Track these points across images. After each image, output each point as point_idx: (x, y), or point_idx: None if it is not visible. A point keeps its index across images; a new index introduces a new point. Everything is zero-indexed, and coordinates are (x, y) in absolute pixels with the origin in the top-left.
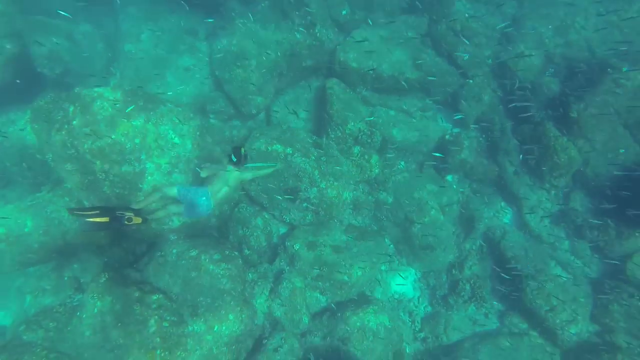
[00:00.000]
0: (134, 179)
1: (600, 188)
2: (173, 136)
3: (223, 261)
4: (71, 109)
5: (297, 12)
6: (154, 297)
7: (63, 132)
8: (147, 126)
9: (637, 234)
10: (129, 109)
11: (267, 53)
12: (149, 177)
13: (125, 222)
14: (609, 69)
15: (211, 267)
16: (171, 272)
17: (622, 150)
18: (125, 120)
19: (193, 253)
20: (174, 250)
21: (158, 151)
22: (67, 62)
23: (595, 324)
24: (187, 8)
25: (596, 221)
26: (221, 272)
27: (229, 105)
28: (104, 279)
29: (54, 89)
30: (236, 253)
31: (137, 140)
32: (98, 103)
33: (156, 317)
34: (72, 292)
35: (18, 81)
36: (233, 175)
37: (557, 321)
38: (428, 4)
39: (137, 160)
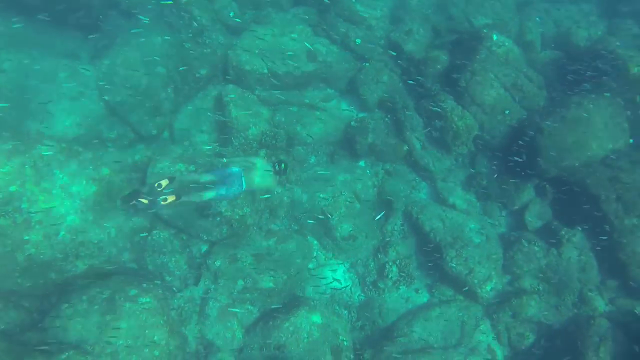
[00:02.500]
0: (15, 232)
1: (497, 148)
2: (61, 176)
3: (140, 296)
4: None
5: (182, 22)
6: (63, 356)
7: None
8: (24, 170)
9: (529, 186)
10: None
11: (158, 69)
12: (37, 226)
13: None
14: (483, 38)
15: (127, 305)
16: (83, 321)
17: (507, 112)
18: None
19: (105, 294)
20: (84, 297)
21: (44, 196)
22: None
23: (507, 274)
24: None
25: (497, 180)
26: (139, 308)
27: (127, 129)
28: None
29: None
30: (157, 282)
31: (12, 189)
32: None
33: None
34: None
35: None
36: (270, 178)
37: (476, 281)
38: None
39: (17, 210)
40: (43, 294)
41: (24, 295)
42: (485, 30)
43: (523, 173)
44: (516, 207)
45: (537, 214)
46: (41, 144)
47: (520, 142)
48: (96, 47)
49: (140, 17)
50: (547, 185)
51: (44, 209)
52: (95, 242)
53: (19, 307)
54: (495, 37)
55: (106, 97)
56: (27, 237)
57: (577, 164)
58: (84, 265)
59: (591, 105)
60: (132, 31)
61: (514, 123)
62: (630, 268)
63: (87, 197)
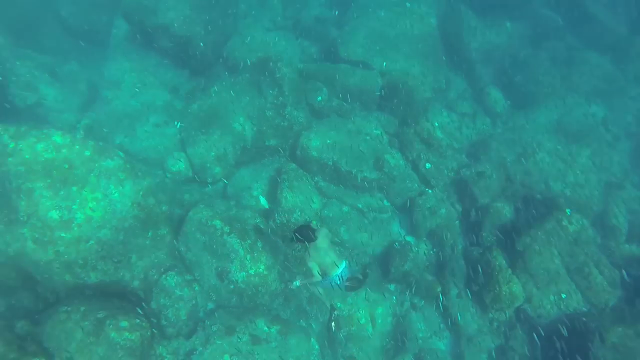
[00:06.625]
0: (57, 226)
1: (541, 331)
2: (114, 192)
3: (128, 330)
4: (11, 145)
5: (271, 91)
6: None
7: None
8: (89, 177)
9: None
10: (73, 157)
11: (234, 125)
12: (76, 228)
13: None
14: (555, 208)
15: (112, 334)
16: (70, 331)
17: (564, 295)
18: (66, 167)
19: (100, 315)
20: (82, 308)
21: (93, 204)
22: (43, 95)
23: None
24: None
25: None
26: (121, 343)
27: (188, 168)
28: None
29: (22, 119)
30: (154, 321)
31: (73, 188)
32: (42, 145)
33: None
34: None
35: None
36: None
37: None
38: (403, 102)
39: (68, 209)
40: (53, 288)
41: (39, 282)
42: (561, 200)
43: None
44: None
45: None
46: (111, 159)
47: (570, 339)
48: (194, 88)
49: (243, 72)
50: None
51: (88, 216)
52: (116, 261)
53: (32, 291)
54: (568, 212)
55: (183, 134)
56: (63, 235)
57: None
58: (96, 278)
59: None
60: (228, 84)
61: (568, 312)
62: None
63: (125, 218)
